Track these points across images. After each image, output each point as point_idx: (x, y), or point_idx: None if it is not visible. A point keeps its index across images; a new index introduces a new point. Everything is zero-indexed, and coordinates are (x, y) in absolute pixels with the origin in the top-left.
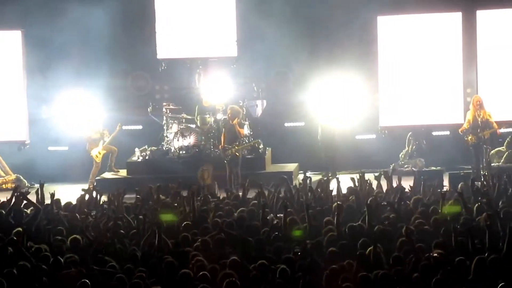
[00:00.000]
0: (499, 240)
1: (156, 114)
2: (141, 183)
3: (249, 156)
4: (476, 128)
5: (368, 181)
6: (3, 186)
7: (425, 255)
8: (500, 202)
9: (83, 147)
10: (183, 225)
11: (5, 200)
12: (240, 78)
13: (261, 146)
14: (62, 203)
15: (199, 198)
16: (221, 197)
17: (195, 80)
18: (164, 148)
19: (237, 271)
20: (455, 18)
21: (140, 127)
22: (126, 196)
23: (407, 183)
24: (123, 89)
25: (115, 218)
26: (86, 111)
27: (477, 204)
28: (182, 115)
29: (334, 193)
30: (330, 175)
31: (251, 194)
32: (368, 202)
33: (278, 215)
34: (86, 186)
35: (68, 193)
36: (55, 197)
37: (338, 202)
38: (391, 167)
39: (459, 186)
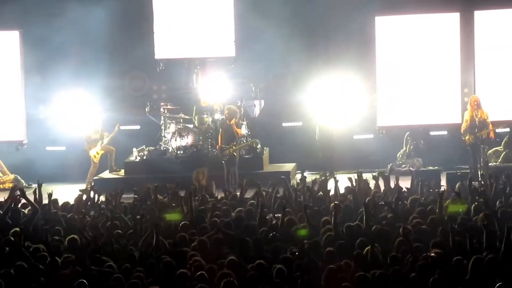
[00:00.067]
0: (497, 240)
1: (154, 114)
2: (138, 183)
3: (247, 156)
4: (474, 128)
5: (366, 180)
6: (1, 186)
7: (422, 255)
8: (498, 202)
9: (81, 147)
10: (180, 225)
11: (3, 200)
12: (238, 78)
13: (259, 146)
14: (60, 203)
15: (197, 198)
16: (219, 197)
17: (193, 80)
18: (161, 148)
19: (235, 271)
20: (453, 18)
21: (138, 127)
22: (124, 196)
23: (405, 183)
24: (121, 89)
25: (112, 218)
26: (84, 111)
27: (474, 204)
28: (180, 115)
29: (332, 193)
30: (328, 175)
31: (249, 194)
32: (366, 202)
33: (276, 215)
34: (84, 186)
35: (66, 193)
36: (53, 197)
37: (336, 202)
38: (388, 167)
39: (457, 186)
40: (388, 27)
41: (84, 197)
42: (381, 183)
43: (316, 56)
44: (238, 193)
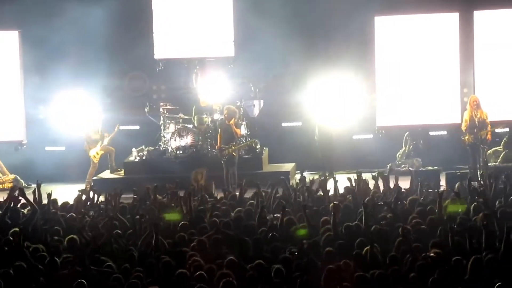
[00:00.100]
0: (496, 240)
1: (153, 114)
2: (138, 183)
3: (246, 156)
4: (473, 128)
5: (366, 180)
6: (1, 186)
7: (422, 255)
8: (497, 202)
9: (80, 147)
10: (180, 225)
11: (2, 200)
12: (238, 78)
13: (258, 146)
14: (59, 203)
15: (196, 198)
16: (218, 197)
17: (192, 80)
18: (161, 148)
19: (234, 271)
20: (452, 18)
21: (137, 127)
22: (123, 196)
23: (404, 183)
24: (120, 89)
25: (111, 218)
26: (84, 111)
27: (474, 204)
28: (179, 115)
29: (331, 193)
30: (327, 175)
31: (248, 194)
32: (365, 202)
33: (275, 215)
34: (83, 186)
35: (65, 193)
36: (52, 197)
37: (335, 202)
38: (388, 167)
39: (456, 186)
40: (387, 27)
41: (84, 197)
42: (381, 183)
43: (316, 56)
44: (237, 193)
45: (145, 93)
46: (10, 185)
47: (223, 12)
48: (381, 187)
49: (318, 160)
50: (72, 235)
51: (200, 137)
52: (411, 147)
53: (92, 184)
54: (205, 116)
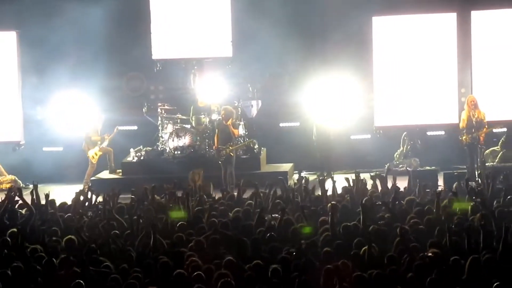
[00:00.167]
0: (494, 240)
1: (151, 115)
2: (136, 183)
3: (244, 156)
4: (471, 128)
5: (364, 180)
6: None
7: (419, 255)
8: (495, 202)
9: (78, 148)
10: (178, 225)
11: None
12: (236, 78)
13: (256, 146)
14: (57, 204)
15: (194, 198)
16: (216, 197)
17: (190, 81)
18: (159, 149)
19: (232, 271)
20: (450, 18)
21: (135, 127)
22: (121, 196)
23: (402, 183)
24: (118, 90)
25: (109, 219)
26: (82, 111)
27: (471, 204)
28: (177, 115)
29: (330, 193)
30: (325, 175)
31: (246, 194)
32: (363, 202)
33: (273, 215)
34: (81, 187)
35: (63, 193)
36: (50, 198)
37: (333, 202)
38: (386, 167)
39: (454, 186)
40: (385, 27)
41: (82, 197)
42: (378, 184)
43: (313, 56)
44: (235, 194)
45: (143, 93)
46: (8, 185)
47: (221, 13)
48: (379, 188)
49: (316, 160)
50: (70, 236)
51: (198, 138)
52: (409, 147)
53: (90, 185)
54: (203, 116)
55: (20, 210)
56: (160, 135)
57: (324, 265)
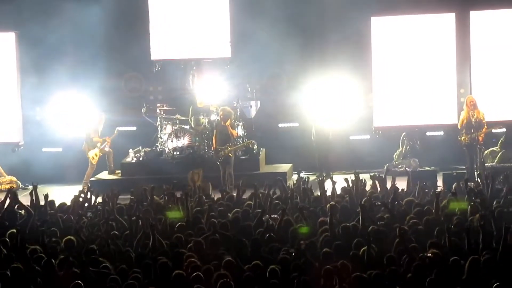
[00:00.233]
0: (493, 240)
1: (150, 115)
2: (135, 184)
3: (243, 157)
4: (470, 129)
5: (363, 181)
6: None
7: (419, 255)
8: (495, 202)
9: (78, 149)
10: (177, 226)
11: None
12: (235, 79)
13: (255, 147)
14: (57, 205)
15: (193, 199)
16: (215, 198)
17: (189, 81)
18: (158, 149)
19: (231, 272)
20: (449, 19)
21: (134, 128)
22: (121, 197)
23: (401, 184)
24: (117, 90)
25: (108, 219)
26: (81, 112)
27: (471, 204)
28: (176, 116)
29: (329, 193)
30: (324, 175)
31: (246, 195)
32: (362, 202)
33: (272, 216)
34: (80, 188)
35: (63, 194)
36: (49, 198)
37: (332, 203)
38: (385, 168)
39: (453, 186)
40: (384, 28)
41: (81, 198)
42: (378, 185)
43: (312, 57)
44: (234, 194)
45: (141, 94)
46: (7, 186)
47: (220, 13)
48: (378, 189)
49: (315, 161)
50: (69, 236)
51: (197, 138)
52: (408, 147)
53: (89, 185)
54: (202, 117)
55: (20, 211)
56: (159, 135)
57: (324, 266)
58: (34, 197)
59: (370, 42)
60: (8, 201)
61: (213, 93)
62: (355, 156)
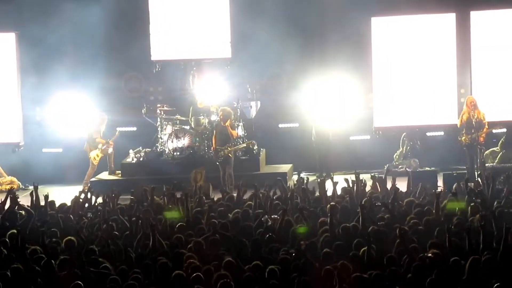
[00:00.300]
0: (494, 240)
1: (150, 116)
2: (135, 184)
3: (244, 157)
4: (470, 129)
5: (363, 181)
6: None
7: (419, 256)
8: (495, 202)
9: (78, 149)
10: (177, 226)
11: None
12: (235, 79)
13: (256, 147)
14: (57, 205)
15: (193, 199)
16: (215, 198)
17: (189, 82)
18: (158, 150)
19: (232, 272)
20: (449, 19)
21: (134, 128)
22: (121, 197)
23: (402, 184)
24: (117, 91)
25: (108, 220)
26: (81, 112)
27: (471, 205)
28: (176, 116)
29: (329, 194)
30: (324, 176)
31: (246, 195)
32: (362, 202)
33: (272, 216)
34: (80, 188)
35: (63, 195)
36: (50, 199)
37: (332, 203)
38: (385, 168)
39: (453, 186)
40: (384, 28)
41: (81, 198)
42: (378, 185)
43: (312, 57)
44: (234, 194)
45: (142, 94)
46: (7, 187)
47: (220, 14)
48: (379, 189)
49: (315, 161)
50: (69, 237)
51: (197, 139)
52: (408, 148)
53: (89, 186)
54: (202, 117)
55: (20, 211)
56: (159, 136)
57: (324, 266)
58: (34, 198)
59: (370, 42)
60: (8, 201)
61: (213, 94)
62: (355, 156)
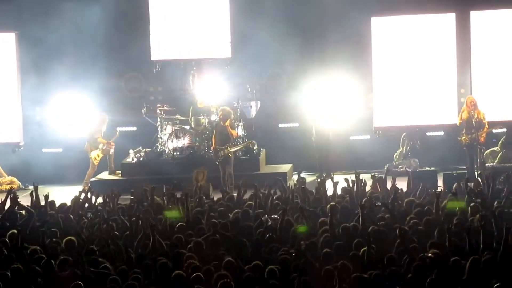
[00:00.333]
0: (494, 240)
1: (150, 116)
2: (135, 184)
3: (244, 157)
4: (470, 129)
5: (363, 181)
6: None
7: (419, 256)
8: (496, 202)
9: (78, 149)
10: (177, 226)
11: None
12: (235, 79)
13: (256, 147)
14: (57, 205)
15: (193, 199)
16: (215, 198)
17: (189, 82)
18: (158, 150)
19: (232, 272)
20: (449, 18)
21: (134, 128)
22: (121, 197)
23: (402, 184)
24: (117, 91)
25: (107, 220)
26: (81, 112)
27: (471, 205)
28: (176, 116)
29: (329, 194)
30: (324, 176)
31: (246, 195)
32: (362, 202)
33: (272, 216)
34: (80, 188)
35: (63, 195)
36: (50, 199)
37: (332, 203)
38: (385, 168)
39: (453, 186)
40: (384, 28)
41: (82, 197)
42: (378, 185)
43: (312, 57)
44: (234, 194)
45: (142, 94)
46: (7, 187)
47: (220, 14)
48: (379, 189)
49: (315, 161)
50: (69, 237)
51: (197, 138)
52: (408, 147)
53: (89, 186)
54: (202, 117)
55: (20, 211)
56: (159, 136)
57: (324, 266)
58: (34, 198)
59: (370, 42)
60: (8, 201)
61: (213, 94)
62: (355, 156)
